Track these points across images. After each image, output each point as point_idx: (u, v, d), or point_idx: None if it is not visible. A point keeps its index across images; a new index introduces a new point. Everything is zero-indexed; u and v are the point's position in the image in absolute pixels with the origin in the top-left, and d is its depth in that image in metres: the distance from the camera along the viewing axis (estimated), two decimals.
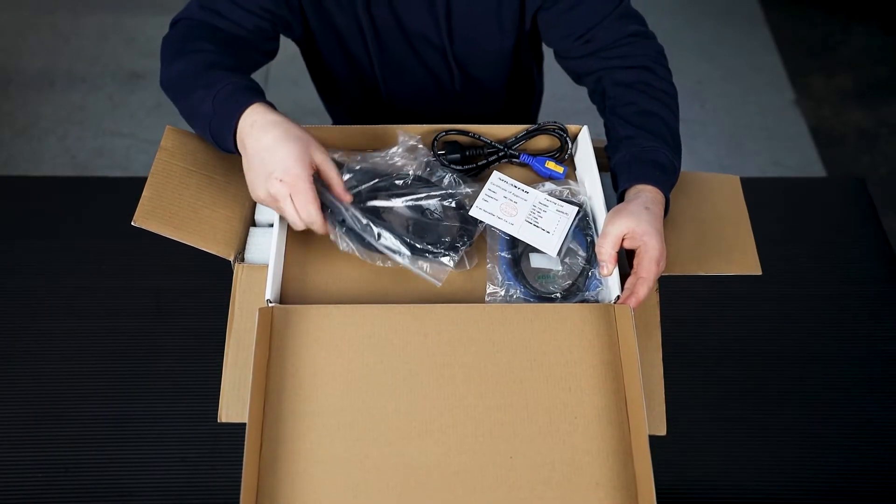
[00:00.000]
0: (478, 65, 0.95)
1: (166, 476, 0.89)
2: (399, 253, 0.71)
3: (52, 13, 2.31)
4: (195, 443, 0.91)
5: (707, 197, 0.81)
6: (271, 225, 0.77)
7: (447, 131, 0.82)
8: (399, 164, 0.78)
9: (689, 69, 2.19)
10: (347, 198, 0.70)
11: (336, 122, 1.17)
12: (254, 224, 0.78)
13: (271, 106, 0.71)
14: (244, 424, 0.61)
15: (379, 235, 0.71)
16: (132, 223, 0.69)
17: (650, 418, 0.66)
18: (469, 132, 0.82)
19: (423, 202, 0.75)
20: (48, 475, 0.89)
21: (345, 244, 0.71)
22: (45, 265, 1.06)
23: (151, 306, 1.02)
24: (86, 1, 2.34)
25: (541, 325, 0.68)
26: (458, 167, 0.80)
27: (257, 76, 0.77)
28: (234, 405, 0.67)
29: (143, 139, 2.01)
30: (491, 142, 0.82)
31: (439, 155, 0.81)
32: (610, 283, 0.71)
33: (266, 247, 0.75)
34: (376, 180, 0.76)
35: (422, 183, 0.77)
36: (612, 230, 0.70)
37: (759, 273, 0.75)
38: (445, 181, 0.78)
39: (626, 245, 0.70)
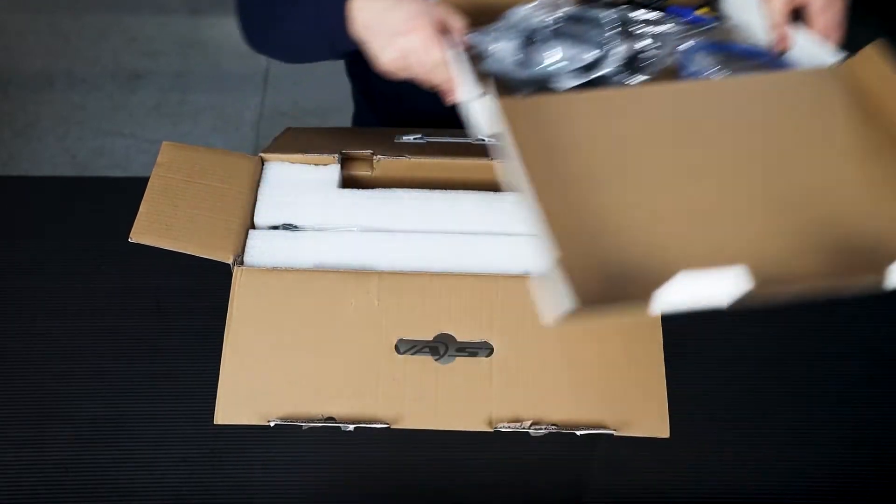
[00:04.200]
0: None
1: (166, 476, 0.89)
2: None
3: (52, 13, 2.31)
4: (195, 443, 0.91)
5: None
6: (271, 227, 0.78)
7: None
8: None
9: None
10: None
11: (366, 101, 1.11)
12: (253, 227, 0.78)
13: None
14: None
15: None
16: (129, 239, 0.71)
17: (651, 419, 0.66)
18: None
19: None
20: (48, 475, 0.89)
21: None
22: (44, 265, 1.06)
23: (151, 306, 1.02)
24: (86, 1, 2.34)
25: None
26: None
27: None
28: (230, 406, 0.67)
29: (143, 139, 2.01)
30: None
31: None
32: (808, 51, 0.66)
33: (266, 249, 0.75)
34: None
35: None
36: None
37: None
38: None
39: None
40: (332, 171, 0.81)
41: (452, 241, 0.76)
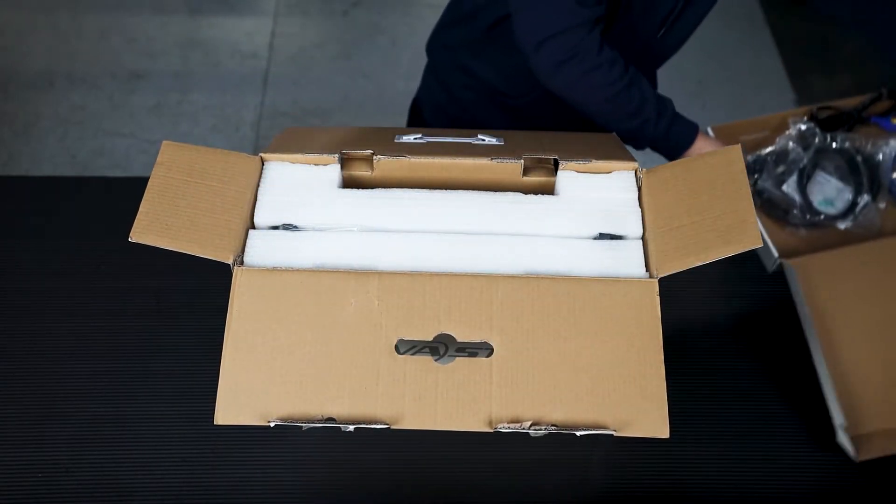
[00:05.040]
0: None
1: (166, 476, 0.89)
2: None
3: (52, 13, 2.31)
4: (195, 443, 0.92)
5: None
6: (271, 227, 0.77)
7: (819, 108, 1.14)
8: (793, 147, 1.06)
9: (690, 70, 2.19)
10: None
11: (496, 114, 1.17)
12: (253, 227, 0.78)
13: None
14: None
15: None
16: (129, 239, 0.71)
17: (651, 419, 0.66)
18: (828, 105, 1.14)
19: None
20: (48, 475, 0.89)
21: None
22: (44, 265, 1.06)
23: (151, 306, 1.02)
24: (86, 1, 2.34)
25: None
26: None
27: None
28: (230, 407, 0.67)
29: (143, 139, 2.01)
30: (847, 110, 1.13)
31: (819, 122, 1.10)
32: None
33: (266, 249, 0.75)
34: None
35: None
36: None
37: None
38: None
39: None
40: (332, 171, 0.80)
41: (452, 241, 0.76)
